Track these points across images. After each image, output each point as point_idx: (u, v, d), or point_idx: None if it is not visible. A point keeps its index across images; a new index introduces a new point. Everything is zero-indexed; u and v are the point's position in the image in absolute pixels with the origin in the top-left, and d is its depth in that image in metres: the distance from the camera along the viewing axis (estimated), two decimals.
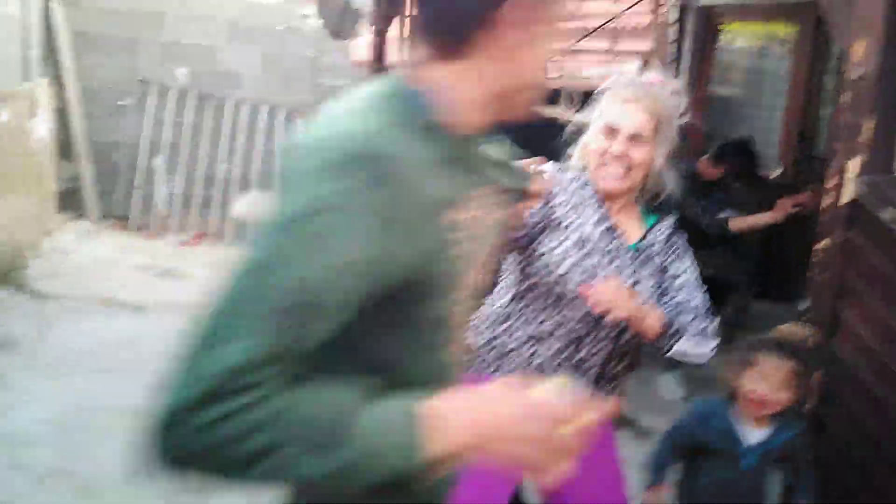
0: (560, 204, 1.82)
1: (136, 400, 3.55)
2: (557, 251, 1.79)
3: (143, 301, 4.75)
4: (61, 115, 6.04)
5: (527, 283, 1.85)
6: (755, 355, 2.19)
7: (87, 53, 6.29)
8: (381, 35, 6.72)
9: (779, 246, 4.07)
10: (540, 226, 1.79)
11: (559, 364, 1.84)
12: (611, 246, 1.85)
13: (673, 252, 1.96)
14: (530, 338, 1.85)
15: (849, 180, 2.54)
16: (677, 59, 4.64)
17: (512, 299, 1.88)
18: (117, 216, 6.48)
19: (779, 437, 2.23)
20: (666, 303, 1.88)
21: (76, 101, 6.20)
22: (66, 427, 3.25)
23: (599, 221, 1.85)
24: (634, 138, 1.81)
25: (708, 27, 5.31)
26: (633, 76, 1.89)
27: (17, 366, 3.69)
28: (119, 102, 6.48)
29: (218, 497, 2.86)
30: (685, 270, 1.95)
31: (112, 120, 6.46)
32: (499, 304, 1.90)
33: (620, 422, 3.48)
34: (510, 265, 1.90)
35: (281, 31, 6.84)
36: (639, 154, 1.82)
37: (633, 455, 3.31)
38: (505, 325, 1.88)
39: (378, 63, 6.75)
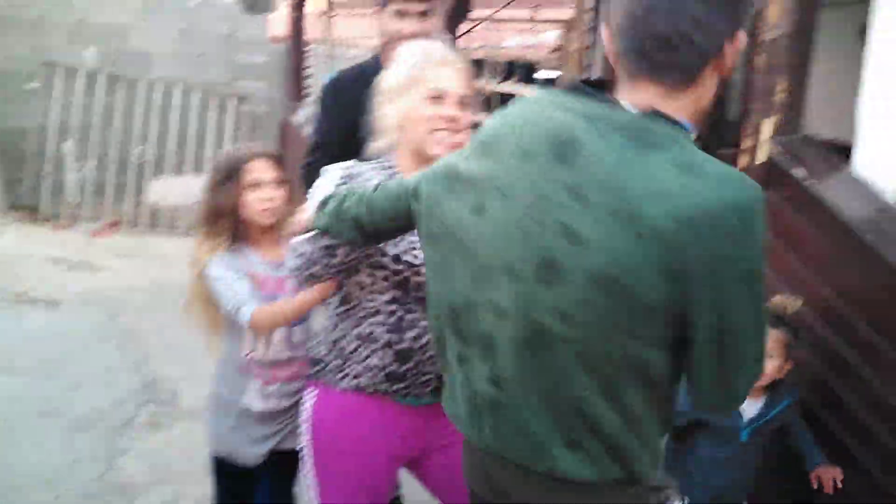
0: None
1: (53, 399, 3.37)
2: (402, 245, 1.71)
3: (56, 296, 4.56)
4: None
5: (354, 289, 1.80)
6: None
7: None
8: (298, 9, 6.57)
9: None
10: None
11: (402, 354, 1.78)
12: None
13: None
14: (360, 336, 1.79)
15: (763, 141, 2.58)
16: (595, 26, 4.64)
17: (340, 305, 1.82)
18: (25, 206, 6.20)
19: (774, 407, 2.23)
20: None
21: None
22: None
23: None
24: (463, 100, 1.77)
25: None
26: (428, 42, 1.85)
27: None
28: (25, 87, 6.19)
29: (143, 496, 2.80)
30: None
31: (17, 105, 6.16)
32: (332, 313, 1.85)
33: None
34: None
35: (195, 7, 6.62)
36: (467, 116, 1.78)
37: None
38: (339, 330, 1.82)
39: (296, 38, 6.61)
